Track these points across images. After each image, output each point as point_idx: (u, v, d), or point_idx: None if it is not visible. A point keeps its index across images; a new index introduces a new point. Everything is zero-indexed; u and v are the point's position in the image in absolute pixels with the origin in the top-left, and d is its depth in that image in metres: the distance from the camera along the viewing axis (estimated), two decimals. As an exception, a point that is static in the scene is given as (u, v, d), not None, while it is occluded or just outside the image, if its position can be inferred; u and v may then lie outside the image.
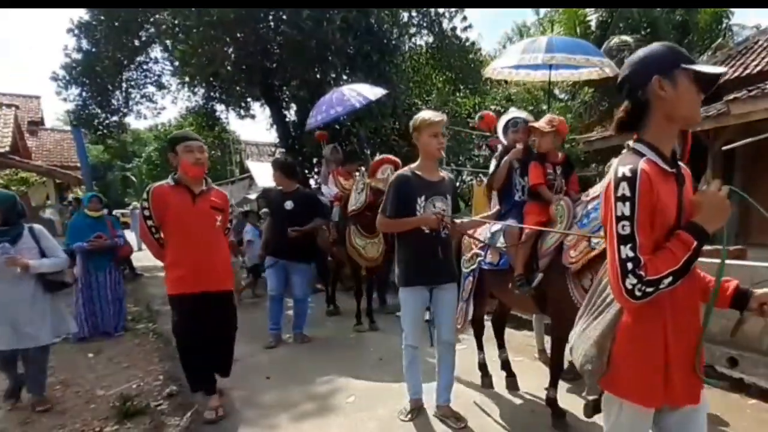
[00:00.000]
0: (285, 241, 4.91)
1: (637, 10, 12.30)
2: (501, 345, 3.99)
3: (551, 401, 3.22)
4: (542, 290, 3.12)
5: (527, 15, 42.85)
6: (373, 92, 6.41)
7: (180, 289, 3.23)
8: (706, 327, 1.48)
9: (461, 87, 11.88)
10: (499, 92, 11.75)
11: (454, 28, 11.63)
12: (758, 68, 8.54)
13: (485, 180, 3.93)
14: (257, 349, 5.05)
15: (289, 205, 5.01)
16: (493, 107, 12.01)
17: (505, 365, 3.90)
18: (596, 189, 2.92)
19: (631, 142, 1.49)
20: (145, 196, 3.22)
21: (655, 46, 1.45)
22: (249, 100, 11.82)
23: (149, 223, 3.23)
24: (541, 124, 3.33)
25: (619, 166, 1.38)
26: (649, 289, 1.32)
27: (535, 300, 3.22)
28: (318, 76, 10.12)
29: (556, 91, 12.56)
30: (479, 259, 3.60)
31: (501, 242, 3.36)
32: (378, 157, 5.55)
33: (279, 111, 11.52)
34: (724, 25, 12.55)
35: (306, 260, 5.25)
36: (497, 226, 3.44)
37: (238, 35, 9.58)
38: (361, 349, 5.06)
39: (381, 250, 5.59)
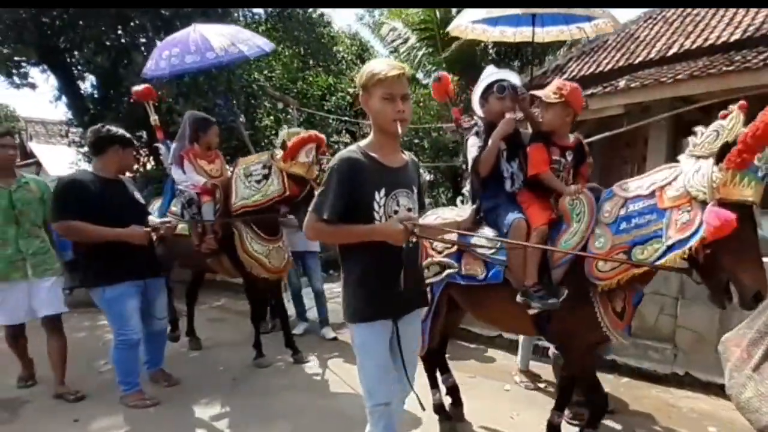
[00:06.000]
0: (146, 251, 3.54)
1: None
2: (445, 369, 3.33)
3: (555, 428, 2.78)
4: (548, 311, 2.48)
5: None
6: (264, 41, 4.82)
7: None
8: None
9: (311, 64, 10.36)
10: (354, 72, 10.45)
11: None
12: (609, 66, 8.84)
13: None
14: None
15: (141, 197, 3.70)
16: (351, 90, 10.64)
17: (453, 391, 3.28)
18: (646, 183, 2.20)
19: None
20: None
21: None
22: (24, 64, 8.78)
23: None
24: (546, 92, 2.61)
25: None
26: None
27: (537, 321, 2.59)
28: (123, 40, 7.81)
29: (420, 75, 11.37)
30: (449, 271, 2.80)
31: (484, 244, 2.65)
32: (299, 133, 3.92)
33: (70, 80, 8.83)
34: (577, 22, 12.81)
35: (159, 272, 3.89)
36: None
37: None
38: (207, 369, 4.23)
39: (287, 257, 4.29)
